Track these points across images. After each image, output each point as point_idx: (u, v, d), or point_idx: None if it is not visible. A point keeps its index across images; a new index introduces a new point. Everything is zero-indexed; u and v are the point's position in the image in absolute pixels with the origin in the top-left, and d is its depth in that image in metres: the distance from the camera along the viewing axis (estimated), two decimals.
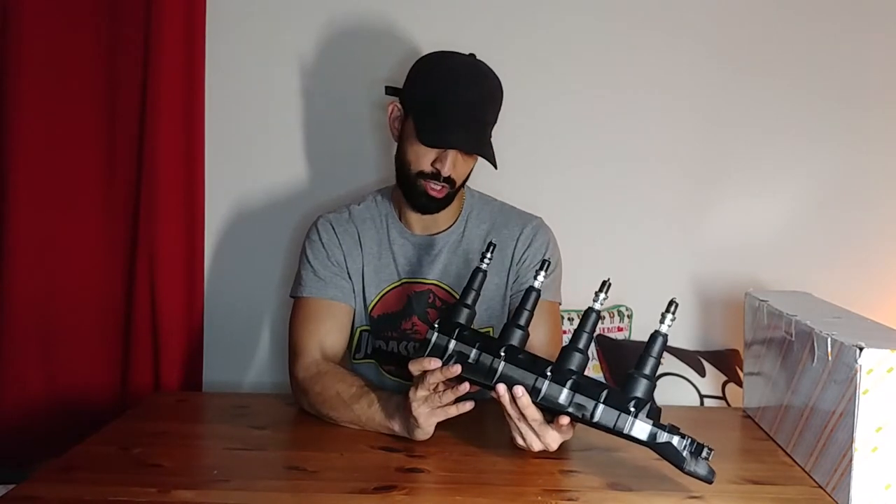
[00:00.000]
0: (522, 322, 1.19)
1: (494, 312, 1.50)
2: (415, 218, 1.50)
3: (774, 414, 1.34)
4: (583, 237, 1.77)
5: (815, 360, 1.16)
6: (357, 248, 1.51)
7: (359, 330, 1.52)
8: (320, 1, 1.82)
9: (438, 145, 1.38)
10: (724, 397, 1.75)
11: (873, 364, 1.03)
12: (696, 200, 1.87)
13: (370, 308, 1.51)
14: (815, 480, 1.16)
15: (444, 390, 1.18)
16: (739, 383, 1.72)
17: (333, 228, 1.52)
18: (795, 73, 1.83)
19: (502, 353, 1.16)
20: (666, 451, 1.08)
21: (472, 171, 1.47)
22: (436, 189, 1.41)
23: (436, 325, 1.22)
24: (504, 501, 1.07)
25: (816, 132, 1.84)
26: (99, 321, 1.80)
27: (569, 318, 1.80)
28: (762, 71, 1.83)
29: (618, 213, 1.87)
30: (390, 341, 1.52)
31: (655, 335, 1.10)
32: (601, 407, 1.09)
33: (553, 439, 1.15)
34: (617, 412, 1.09)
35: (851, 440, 1.05)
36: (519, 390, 1.11)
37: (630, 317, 1.88)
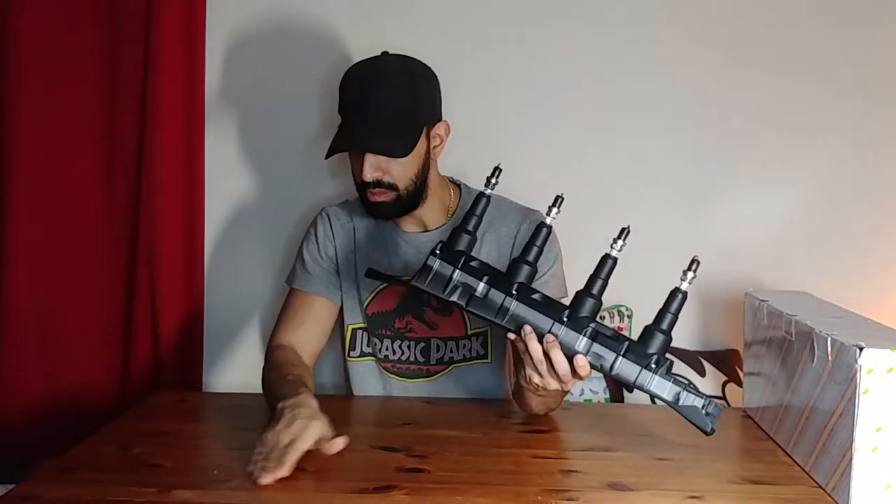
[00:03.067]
0: (531, 258, 1.14)
1: None
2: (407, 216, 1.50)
3: (774, 414, 1.34)
4: (582, 236, 1.76)
5: (815, 360, 1.16)
6: (352, 243, 1.51)
7: (351, 328, 1.53)
8: (320, 1, 1.83)
9: (336, 150, 1.37)
10: (724, 397, 1.75)
11: (873, 364, 1.03)
12: (696, 200, 1.87)
13: (365, 305, 1.51)
14: (815, 480, 1.16)
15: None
16: (739, 383, 1.72)
17: (330, 223, 1.53)
18: (796, 72, 1.83)
19: (514, 292, 1.12)
20: (690, 415, 1.08)
21: (422, 170, 1.40)
22: (375, 193, 1.38)
23: (437, 252, 1.15)
24: (504, 501, 1.07)
25: (817, 132, 1.84)
26: (99, 321, 1.80)
27: None
28: (763, 70, 1.82)
29: (617, 212, 1.86)
30: (384, 339, 1.52)
31: (675, 292, 1.11)
32: (621, 360, 1.09)
33: (569, 380, 1.14)
34: (638, 367, 1.09)
35: (851, 440, 1.05)
36: (549, 337, 1.10)
37: (630, 317, 1.88)
